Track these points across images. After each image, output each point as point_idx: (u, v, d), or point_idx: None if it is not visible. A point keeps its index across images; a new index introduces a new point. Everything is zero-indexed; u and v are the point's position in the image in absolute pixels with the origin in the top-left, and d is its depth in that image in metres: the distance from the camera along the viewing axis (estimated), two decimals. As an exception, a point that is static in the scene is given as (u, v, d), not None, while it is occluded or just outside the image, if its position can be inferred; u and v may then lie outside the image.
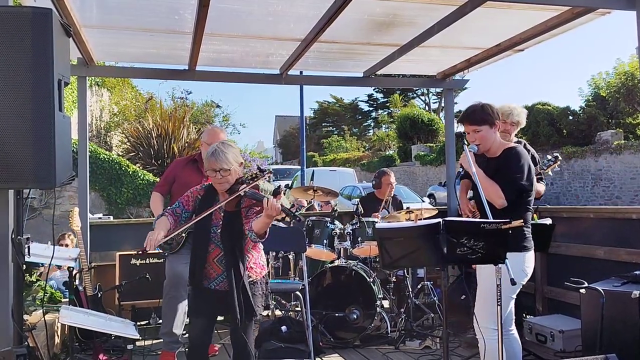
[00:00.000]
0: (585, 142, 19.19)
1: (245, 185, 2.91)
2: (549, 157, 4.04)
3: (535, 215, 4.16)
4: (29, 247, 2.70)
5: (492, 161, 3.09)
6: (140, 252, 2.78)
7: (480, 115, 3.07)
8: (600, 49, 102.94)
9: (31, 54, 2.42)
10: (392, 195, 5.59)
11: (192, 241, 3.05)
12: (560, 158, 4.07)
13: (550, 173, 4.10)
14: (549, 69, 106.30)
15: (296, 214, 3.01)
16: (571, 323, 4.36)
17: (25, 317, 3.43)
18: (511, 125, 4.21)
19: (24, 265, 2.73)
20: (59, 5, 3.66)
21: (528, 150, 4.30)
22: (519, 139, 4.38)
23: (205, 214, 2.90)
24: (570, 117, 20.57)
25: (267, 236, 2.88)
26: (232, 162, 2.94)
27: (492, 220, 2.58)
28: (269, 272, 4.83)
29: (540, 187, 4.14)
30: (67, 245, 5.49)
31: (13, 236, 2.65)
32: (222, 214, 2.97)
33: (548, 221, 4.17)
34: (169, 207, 3.05)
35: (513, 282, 2.53)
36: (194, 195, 3.07)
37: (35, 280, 4.38)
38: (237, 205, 2.95)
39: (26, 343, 2.71)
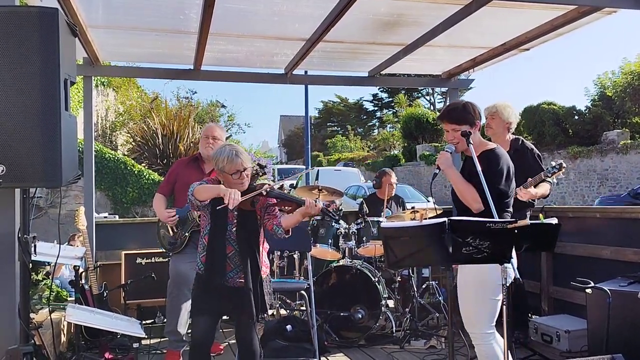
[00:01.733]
0: (591, 142, 19.12)
1: (267, 185, 2.95)
2: (553, 163, 4.02)
3: (541, 215, 4.14)
4: (35, 246, 2.71)
5: (469, 161, 2.98)
6: (223, 206, 2.81)
7: (461, 114, 2.98)
8: (606, 49, 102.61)
9: (38, 53, 2.42)
10: (392, 194, 5.59)
11: (209, 240, 3.05)
12: (564, 165, 4.04)
13: (554, 180, 4.08)
14: (555, 69, 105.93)
15: (335, 214, 3.05)
16: (577, 323, 4.34)
17: (32, 315, 3.45)
18: (491, 119, 4.24)
19: (30, 264, 2.74)
20: (65, 5, 3.68)
21: (526, 147, 4.28)
22: (517, 137, 4.35)
23: (249, 196, 2.92)
24: (576, 117, 20.49)
25: (290, 233, 3.00)
26: (250, 160, 3.02)
27: (497, 219, 2.57)
28: (274, 271, 4.84)
29: (545, 187, 4.11)
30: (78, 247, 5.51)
31: (19, 235, 2.67)
32: (236, 213, 2.99)
33: (554, 221, 4.15)
34: (204, 180, 3.04)
35: (519, 282, 2.53)
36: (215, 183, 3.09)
37: (41, 278, 4.41)
38: (252, 204, 2.98)
39: (33, 341, 2.72)
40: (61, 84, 2.50)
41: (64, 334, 4.35)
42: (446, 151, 3.00)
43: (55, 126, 2.47)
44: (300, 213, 2.90)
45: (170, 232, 4.11)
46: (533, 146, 4.36)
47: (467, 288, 2.92)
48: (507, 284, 2.61)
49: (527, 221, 2.52)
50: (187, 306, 4.07)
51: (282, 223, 2.98)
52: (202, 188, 2.92)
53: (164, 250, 4.48)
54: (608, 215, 4.65)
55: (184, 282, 4.00)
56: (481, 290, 2.85)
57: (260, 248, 3.08)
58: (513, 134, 4.36)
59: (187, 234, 4.03)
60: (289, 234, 3.03)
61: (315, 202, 2.95)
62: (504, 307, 2.58)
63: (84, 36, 4.33)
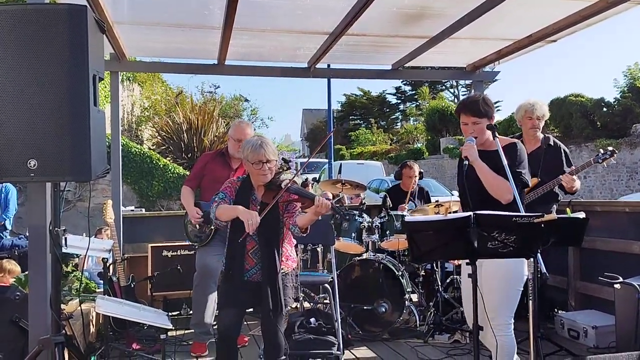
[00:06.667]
0: (620, 135, 18.68)
1: (287, 181, 2.97)
2: (602, 151, 4.01)
3: (568, 209, 4.09)
4: (66, 239, 2.78)
5: (484, 154, 2.95)
6: (244, 237, 2.88)
7: (483, 107, 2.96)
8: (636, 39, 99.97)
9: (67, 50, 2.47)
10: (415, 187, 5.57)
11: (229, 236, 3.09)
12: (616, 152, 4.03)
13: (605, 165, 4.07)
14: (582, 60, 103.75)
15: (346, 212, 3.04)
16: (605, 319, 4.28)
17: (62, 306, 3.53)
18: (537, 119, 4.19)
19: (61, 256, 2.81)
20: (92, 1, 3.74)
21: (559, 146, 4.26)
22: (545, 134, 4.32)
23: (269, 207, 2.95)
24: (605, 109, 20.02)
25: (309, 231, 2.98)
26: (275, 153, 3.04)
27: (524, 214, 2.55)
28: (297, 264, 4.87)
29: (578, 182, 4.12)
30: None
31: (51, 227, 2.73)
32: (258, 207, 3.01)
33: (581, 215, 4.10)
34: (216, 198, 3.09)
35: (545, 276, 2.50)
36: (234, 186, 3.14)
37: (71, 270, 4.51)
38: (274, 198, 3.00)
39: (64, 331, 2.78)
40: (90, 80, 2.53)
41: (92, 325, 4.45)
42: (468, 143, 2.98)
43: (85, 121, 2.51)
44: (312, 212, 2.88)
45: (197, 225, 4.16)
46: (564, 146, 4.37)
47: (492, 278, 2.92)
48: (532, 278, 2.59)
49: (554, 215, 2.50)
50: (213, 298, 4.12)
51: (297, 222, 2.97)
52: (223, 210, 2.97)
53: (189, 243, 4.53)
54: (637, 210, 4.56)
55: (210, 274, 4.05)
56: (506, 280, 2.84)
57: (284, 242, 3.10)
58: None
59: (212, 227, 4.08)
60: (306, 233, 3.00)
61: (329, 200, 2.94)
62: (530, 301, 2.56)
63: (110, 32, 4.40)
